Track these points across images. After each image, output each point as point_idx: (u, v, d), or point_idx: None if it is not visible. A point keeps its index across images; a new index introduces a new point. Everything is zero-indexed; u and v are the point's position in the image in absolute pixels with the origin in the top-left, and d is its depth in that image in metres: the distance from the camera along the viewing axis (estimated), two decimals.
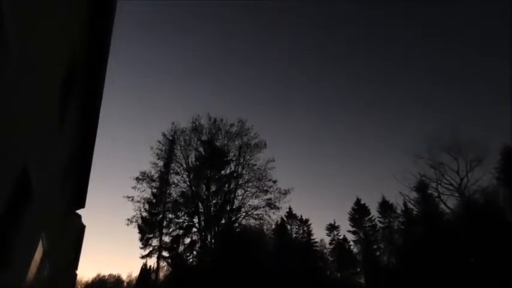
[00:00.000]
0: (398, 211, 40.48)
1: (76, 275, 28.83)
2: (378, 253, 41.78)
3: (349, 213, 46.38)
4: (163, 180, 34.04)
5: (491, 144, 56.71)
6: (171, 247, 32.48)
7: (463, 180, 33.04)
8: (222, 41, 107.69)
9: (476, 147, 33.66)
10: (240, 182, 33.41)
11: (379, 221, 43.88)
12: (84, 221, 19.60)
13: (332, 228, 47.55)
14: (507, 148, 31.16)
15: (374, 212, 44.64)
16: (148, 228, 33.18)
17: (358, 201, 46.59)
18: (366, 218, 45.01)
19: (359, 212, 45.73)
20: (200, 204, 32.64)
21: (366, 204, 46.04)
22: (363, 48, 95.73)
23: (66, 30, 5.09)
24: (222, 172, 34.31)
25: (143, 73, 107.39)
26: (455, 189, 33.27)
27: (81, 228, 19.94)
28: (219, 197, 32.95)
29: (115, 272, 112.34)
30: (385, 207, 43.41)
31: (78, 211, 17.26)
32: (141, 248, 32.81)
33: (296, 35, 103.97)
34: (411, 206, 37.58)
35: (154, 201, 33.97)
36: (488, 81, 71.58)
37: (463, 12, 79.32)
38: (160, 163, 34.32)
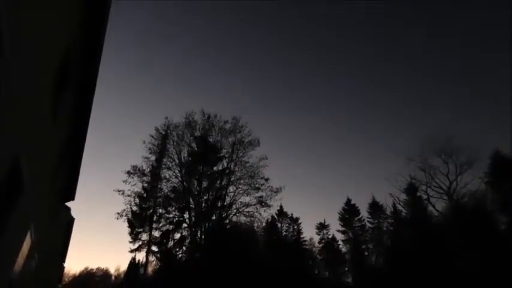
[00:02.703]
0: (388, 212, 41.04)
1: (64, 267, 28.56)
2: (366, 253, 42.20)
3: (339, 213, 46.72)
4: (154, 175, 33.93)
5: (487, 146, 57.42)
6: (161, 242, 32.45)
7: (452, 184, 33.62)
8: (218, 39, 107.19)
9: (467, 151, 34.23)
10: (232, 179, 33.48)
11: (368, 221, 44.34)
12: (73, 213, 19.45)
13: (322, 227, 47.86)
14: (497, 153, 31.66)
15: (364, 213, 45.12)
16: (138, 222, 33.11)
17: (348, 201, 46.94)
18: (356, 218, 45.40)
19: (349, 212, 46.07)
20: (191, 200, 32.61)
21: (356, 205, 46.47)
22: (360, 48, 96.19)
23: (60, 25, 5.02)
24: (214, 168, 34.33)
25: (137, 68, 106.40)
26: (444, 193, 33.86)
27: (70, 221, 19.75)
28: (210, 193, 32.94)
29: (103, 266, 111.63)
30: (375, 208, 43.84)
31: (68, 203, 17.14)
32: (131, 242, 32.79)
33: (294, 34, 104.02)
34: (400, 208, 38.12)
35: (145, 195, 33.87)
36: (487, 81, 72.39)
37: (463, 13, 80.00)
38: (152, 158, 34.25)
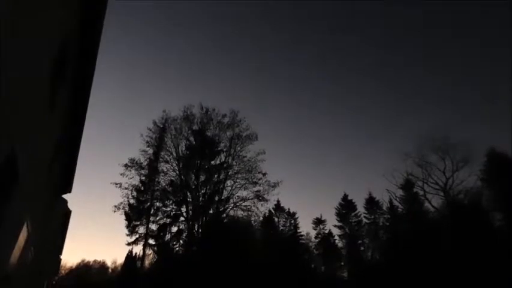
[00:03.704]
0: (384, 208, 41.27)
1: (60, 260, 28.60)
2: (362, 248, 42.50)
3: (336, 208, 46.93)
4: (152, 168, 33.85)
5: (485, 144, 57.55)
6: (158, 235, 32.48)
7: (448, 180, 33.76)
8: (218, 34, 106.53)
9: (464, 148, 34.33)
10: (229, 173, 33.52)
11: (365, 217, 44.58)
12: (70, 206, 19.42)
13: (318, 222, 48.08)
14: (493, 150, 31.84)
15: (360, 208, 45.35)
16: (135, 215, 33.07)
17: (345, 197, 47.13)
18: (352, 214, 45.59)
19: (346, 207, 46.27)
20: (189, 194, 32.63)
21: (353, 200, 46.66)
22: (361, 46, 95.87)
23: (59, 12, 4.94)
24: (212, 162, 34.32)
25: (136, 61, 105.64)
26: (440, 189, 34.00)
27: (67, 213, 19.74)
28: (208, 187, 32.96)
29: (100, 258, 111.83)
30: (372, 203, 44.07)
31: (65, 196, 17.07)
32: (127, 235, 32.77)
33: (295, 30, 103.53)
34: (397, 204, 38.33)
35: (142, 188, 33.81)
36: (485, 80, 72.31)
37: (462, 11, 79.56)
38: (150, 151, 34.16)
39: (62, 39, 5.60)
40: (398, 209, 38.23)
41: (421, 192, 35.44)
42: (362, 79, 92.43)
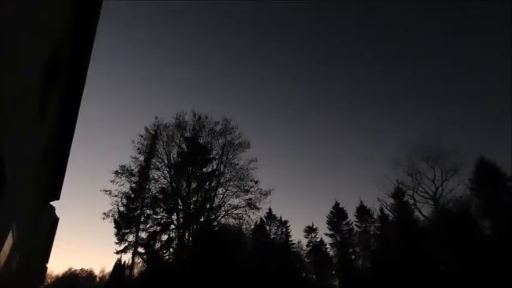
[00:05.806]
0: (375, 216, 41.44)
1: (46, 268, 27.92)
2: (353, 257, 42.43)
3: (327, 217, 46.89)
4: (143, 175, 33.53)
5: (474, 151, 57.88)
6: (148, 243, 32.03)
7: (438, 189, 34.16)
8: (210, 40, 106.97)
9: (453, 157, 34.81)
10: (221, 181, 33.35)
11: (356, 225, 44.59)
12: (58, 213, 19.05)
13: (310, 230, 47.95)
14: (481, 159, 32.33)
15: (351, 216, 45.37)
16: (125, 223, 32.61)
17: (336, 205, 47.14)
18: (344, 222, 45.57)
19: (337, 216, 46.24)
20: (180, 201, 32.32)
21: (344, 208, 46.71)
22: (352, 51, 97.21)
23: (52, 17, 4.91)
24: (204, 170, 34.14)
25: (128, 66, 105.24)
26: (430, 198, 34.39)
27: (55, 221, 19.34)
28: (199, 195, 32.72)
29: (87, 267, 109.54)
30: (363, 211, 44.13)
31: (52, 203, 16.76)
32: (116, 243, 32.24)
33: (286, 35, 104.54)
34: (387, 212, 38.53)
35: (132, 196, 33.42)
36: (478, 84, 73.48)
37: (461, 11, 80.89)
38: (141, 158, 33.88)
39: (54, 44, 5.56)
40: (389, 218, 38.43)
41: (412, 201, 35.80)
42: (355, 84, 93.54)
